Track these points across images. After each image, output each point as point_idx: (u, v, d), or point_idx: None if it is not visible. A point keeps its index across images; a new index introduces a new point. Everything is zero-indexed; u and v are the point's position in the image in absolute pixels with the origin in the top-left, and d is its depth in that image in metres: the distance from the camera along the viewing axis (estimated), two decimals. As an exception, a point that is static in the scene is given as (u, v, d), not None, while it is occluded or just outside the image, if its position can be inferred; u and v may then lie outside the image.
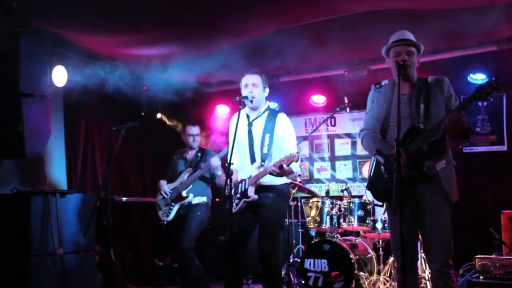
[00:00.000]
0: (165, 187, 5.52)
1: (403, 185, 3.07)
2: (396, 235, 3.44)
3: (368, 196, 5.58)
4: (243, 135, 4.21)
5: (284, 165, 3.85)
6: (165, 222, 5.46)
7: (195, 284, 5.23)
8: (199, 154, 5.61)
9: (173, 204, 5.44)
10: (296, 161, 3.84)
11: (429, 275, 5.14)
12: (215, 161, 4.98)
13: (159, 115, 7.84)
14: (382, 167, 3.48)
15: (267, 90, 4.28)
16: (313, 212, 5.85)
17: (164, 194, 5.49)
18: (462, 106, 3.22)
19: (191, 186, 5.41)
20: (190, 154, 5.68)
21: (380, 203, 5.32)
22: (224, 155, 5.27)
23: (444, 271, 3.28)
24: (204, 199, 5.47)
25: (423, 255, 5.27)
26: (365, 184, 3.80)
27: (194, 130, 5.64)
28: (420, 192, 3.36)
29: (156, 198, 5.66)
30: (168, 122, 7.90)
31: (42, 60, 4.73)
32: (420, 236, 3.61)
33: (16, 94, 4.34)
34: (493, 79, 3.10)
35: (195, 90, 7.77)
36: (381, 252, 5.61)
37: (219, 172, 4.85)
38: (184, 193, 5.40)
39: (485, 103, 6.44)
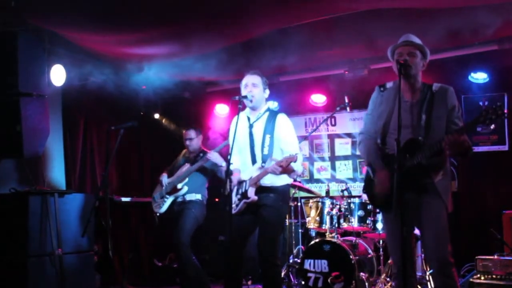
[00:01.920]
0: (164, 179, 5.61)
1: (401, 192, 3.05)
2: (393, 240, 3.43)
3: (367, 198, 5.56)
4: (244, 137, 4.21)
5: (283, 165, 3.85)
6: (158, 214, 5.52)
7: (194, 284, 5.21)
8: (201, 154, 5.64)
9: (167, 196, 5.50)
10: (295, 161, 3.85)
11: (430, 276, 5.13)
12: (212, 154, 5.20)
13: (157, 115, 7.81)
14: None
15: (267, 91, 4.27)
16: (313, 212, 5.83)
17: (162, 187, 5.58)
18: (464, 128, 3.20)
19: (187, 179, 5.45)
20: (191, 155, 5.72)
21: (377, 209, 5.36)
22: (220, 149, 5.39)
23: (445, 270, 3.25)
24: (198, 196, 5.48)
25: (423, 255, 5.25)
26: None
27: (189, 134, 5.68)
28: (417, 196, 3.34)
29: (153, 192, 5.73)
30: (164, 123, 7.85)
31: (40, 60, 4.70)
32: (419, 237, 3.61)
33: (14, 94, 4.31)
34: (499, 104, 3.06)
35: (194, 89, 7.77)
36: (381, 253, 5.59)
37: (221, 162, 5.11)
38: (179, 186, 5.44)
39: (486, 103, 6.42)
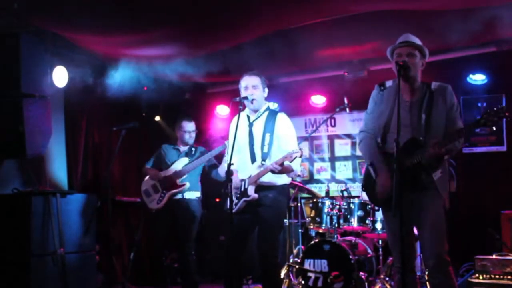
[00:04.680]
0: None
1: (401, 191, 3.08)
2: (393, 236, 3.47)
3: (365, 197, 5.59)
4: (244, 136, 4.23)
5: (286, 162, 3.87)
6: (153, 210, 5.35)
7: (192, 283, 5.26)
8: (193, 149, 5.58)
9: (164, 192, 5.35)
10: (300, 157, 3.87)
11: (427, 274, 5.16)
12: (214, 153, 5.13)
13: (157, 118, 7.81)
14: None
15: (267, 90, 4.30)
16: (313, 212, 5.86)
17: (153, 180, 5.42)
18: (467, 130, 3.26)
19: (186, 176, 5.34)
20: (183, 148, 5.61)
21: (376, 208, 5.38)
22: (219, 152, 5.28)
23: (441, 268, 3.28)
24: (198, 194, 5.45)
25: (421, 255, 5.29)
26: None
27: (190, 126, 5.59)
28: (417, 194, 3.38)
29: (142, 184, 5.56)
30: (164, 126, 7.84)
31: (43, 61, 4.74)
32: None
33: (17, 95, 4.35)
34: (500, 106, 3.12)
35: (195, 90, 7.80)
36: (380, 252, 5.62)
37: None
38: (178, 181, 5.30)
39: (484, 104, 6.46)
